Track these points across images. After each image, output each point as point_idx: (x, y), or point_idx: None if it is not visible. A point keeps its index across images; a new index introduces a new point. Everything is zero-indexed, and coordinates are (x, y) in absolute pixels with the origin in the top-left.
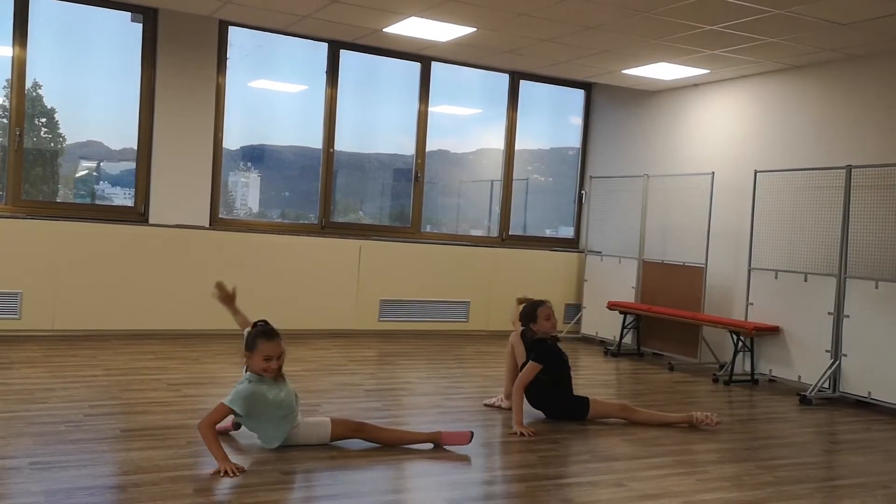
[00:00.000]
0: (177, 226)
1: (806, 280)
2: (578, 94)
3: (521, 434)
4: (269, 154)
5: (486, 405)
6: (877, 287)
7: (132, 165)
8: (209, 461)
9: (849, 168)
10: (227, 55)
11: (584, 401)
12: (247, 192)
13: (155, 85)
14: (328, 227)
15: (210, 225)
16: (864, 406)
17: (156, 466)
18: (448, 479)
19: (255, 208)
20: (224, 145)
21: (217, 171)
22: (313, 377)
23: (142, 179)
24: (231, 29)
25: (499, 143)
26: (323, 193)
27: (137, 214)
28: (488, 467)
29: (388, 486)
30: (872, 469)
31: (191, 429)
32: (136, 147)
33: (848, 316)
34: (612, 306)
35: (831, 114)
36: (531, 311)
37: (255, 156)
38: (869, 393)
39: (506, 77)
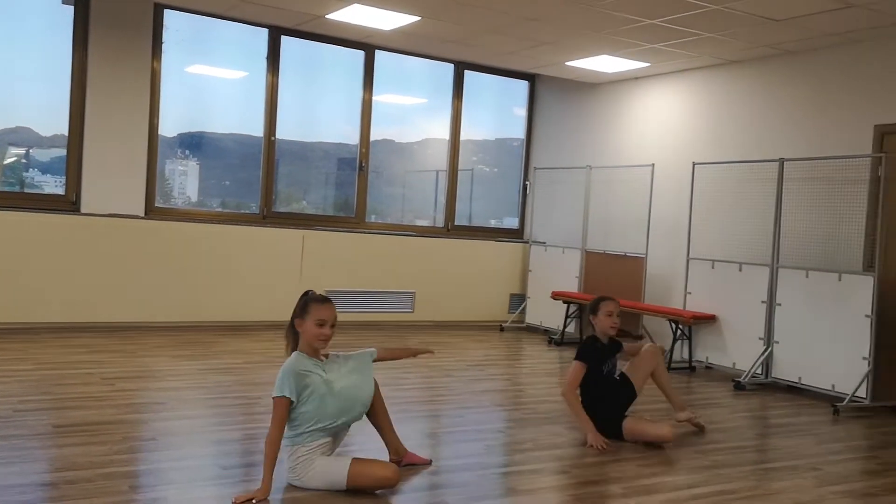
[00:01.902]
0: (110, 215)
1: (741, 270)
2: (522, 86)
3: (598, 447)
4: (208, 142)
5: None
6: (807, 276)
7: (63, 152)
8: (147, 457)
9: (781, 161)
10: (163, 39)
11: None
12: (185, 180)
13: (87, 69)
14: (270, 217)
15: (146, 214)
16: (794, 391)
17: (90, 463)
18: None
19: (194, 197)
20: (160, 132)
21: (153, 159)
22: (257, 369)
23: (73, 167)
24: (167, 12)
25: (444, 133)
26: (265, 182)
27: (69, 203)
28: (433, 457)
29: None
30: (802, 452)
31: (127, 424)
32: (66, 133)
33: (780, 304)
34: (555, 296)
35: (766, 108)
36: (595, 303)
37: (193, 143)
38: (799, 378)
39: (450, 67)
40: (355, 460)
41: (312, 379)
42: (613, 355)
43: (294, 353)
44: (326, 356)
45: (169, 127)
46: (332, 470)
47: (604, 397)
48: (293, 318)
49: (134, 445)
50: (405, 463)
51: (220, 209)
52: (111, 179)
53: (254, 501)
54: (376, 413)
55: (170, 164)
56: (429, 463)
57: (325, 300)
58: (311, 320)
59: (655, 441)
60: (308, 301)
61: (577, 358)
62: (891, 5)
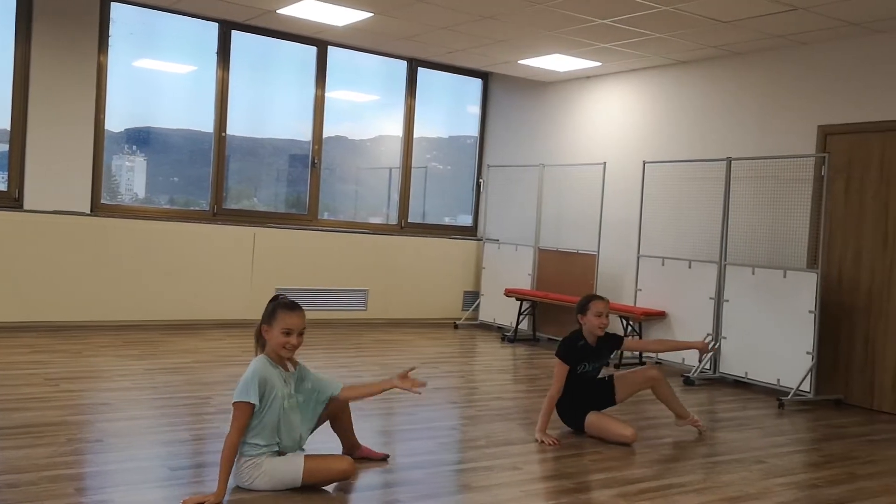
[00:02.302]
0: (54, 212)
1: (690, 267)
2: (476, 84)
3: (546, 443)
4: (156, 137)
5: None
6: (753, 273)
7: (5, 147)
8: (93, 459)
9: (729, 160)
10: (109, 32)
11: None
12: (132, 176)
13: (30, 62)
14: (220, 214)
15: (91, 211)
16: (741, 385)
17: (34, 465)
18: None
19: (142, 194)
20: (106, 127)
21: (98, 155)
22: (206, 368)
23: (16, 162)
24: (113, 5)
25: (397, 130)
26: (215, 179)
27: (11, 199)
28: (387, 454)
29: None
30: (749, 445)
31: (72, 425)
32: (9, 128)
33: (727, 300)
34: (508, 293)
35: (714, 108)
36: (584, 301)
37: (140, 139)
38: (746, 373)
39: (404, 64)
40: (308, 457)
41: (274, 388)
42: (599, 355)
43: (260, 357)
44: (295, 364)
45: (115, 122)
46: (284, 469)
47: (573, 394)
48: (261, 322)
49: (79, 447)
50: (359, 456)
51: (168, 206)
52: (55, 175)
53: None
54: (341, 414)
55: (116, 160)
56: (385, 458)
57: (293, 307)
58: (278, 328)
59: (617, 441)
60: (276, 307)
61: (557, 356)
62: (833, 9)
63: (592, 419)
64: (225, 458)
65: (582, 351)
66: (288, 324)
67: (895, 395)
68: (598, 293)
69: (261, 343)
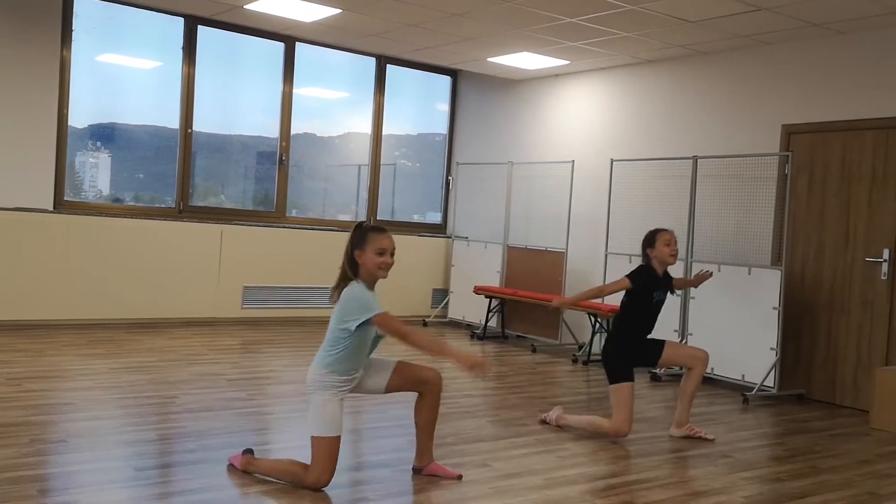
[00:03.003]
0: (16, 209)
1: None
2: (445, 81)
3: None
4: (121, 133)
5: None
6: (719, 270)
7: None
8: (56, 460)
9: (695, 158)
10: (73, 27)
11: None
12: (96, 173)
13: None
14: (187, 212)
15: (54, 208)
16: (708, 382)
17: None
18: None
19: (106, 191)
20: (70, 123)
21: (62, 151)
22: (172, 367)
23: None
24: None
25: (366, 127)
26: (181, 176)
27: None
28: (354, 453)
29: (250, 478)
30: (715, 440)
31: (35, 426)
32: None
33: (693, 297)
34: (478, 291)
35: (681, 106)
36: (650, 235)
37: (105, 135)
38: (712, 369)
39: (372, 61)
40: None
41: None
42: (667, 286)
43: (359, 283)
44: None
45: (79, 117)
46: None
47: (646, 324)
48: (352, 249)
49: (42, 448)
50: (427, 473)
51: (133, 203)
52: (18, 172)
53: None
54: (423, 409)
55: (80, 157)
56: (459, 477)
57: (382, 230)
58: (372, 250)
59: (690, 364)
60: (366, 231)
61: (628, 275)
62: (797, 10)
63: (670, 349)
64: (430, 341)
65: (655, 280)
66: (382, 244)
67: (856, 390)
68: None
69: (353, 270)
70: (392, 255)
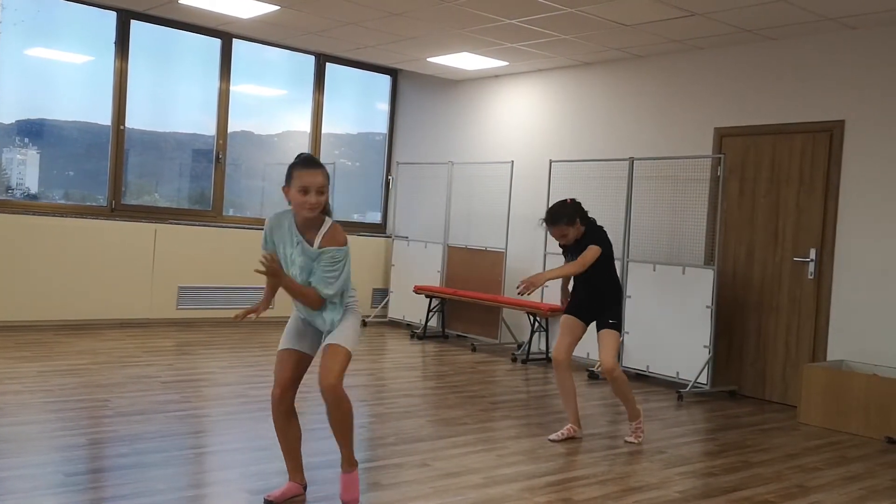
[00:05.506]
0: None
1: None
2: (385, 80)
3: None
4: (50, 129)
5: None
6: (654, 270)
7: None
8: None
9: (631, 160)
10: (0, 19)
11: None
12: (24, 170)
13: None
14: (119, 210)
15: None
16: (643, 378)
17: None
18: (251, 470)
19: (34, 188)
20: None
21: None
22: (104, 370)
23: None
24: None
25: (305, 125)
26: (113, 173)
27: None
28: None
29: (186, 482)
30: (650, 436)
31: None
32: None
33: (630, 296)
34: (418, 290)
35: (617, 108)
36: (575, 206)
37: (33, 131)
38: (647, 367)
39: (312, 59)
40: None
41: (278, 245)
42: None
43: (277, 213)
44: (327, 246)
45: (6, 113)
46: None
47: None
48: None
49: None
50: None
51: (63, 201)
52: None
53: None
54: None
55: (7, 153)
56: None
57: (308, 164)
58: (295, 187)
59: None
60: (291, 166)
61: (593, 244)
62: (729, 16)
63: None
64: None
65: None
66: (305, 181)
67: (784, 386)
68: (504, 284)
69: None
70: (320, 192)
